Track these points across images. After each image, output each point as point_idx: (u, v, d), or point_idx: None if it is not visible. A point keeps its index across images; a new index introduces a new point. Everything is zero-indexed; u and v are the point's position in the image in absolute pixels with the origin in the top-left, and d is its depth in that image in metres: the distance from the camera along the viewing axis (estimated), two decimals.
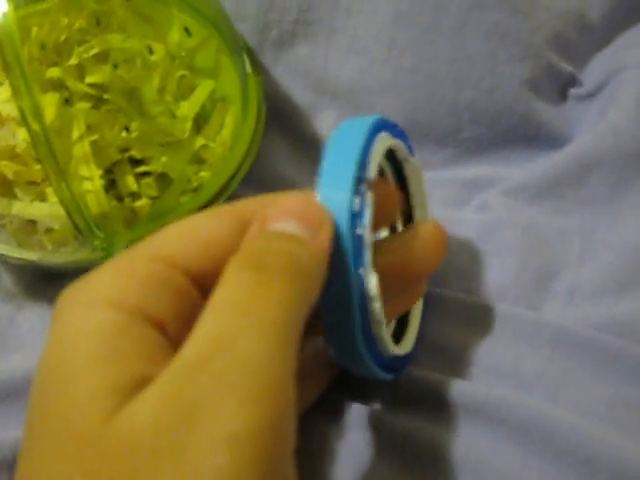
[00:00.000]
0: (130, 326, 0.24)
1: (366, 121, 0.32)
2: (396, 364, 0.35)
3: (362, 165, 0.30)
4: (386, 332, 0.32)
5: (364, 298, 0.29)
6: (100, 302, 0.24)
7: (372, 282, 0.29)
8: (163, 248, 0.26)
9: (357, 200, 0.29)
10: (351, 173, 0.29)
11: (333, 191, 0.29)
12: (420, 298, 0.39)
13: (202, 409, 0.21)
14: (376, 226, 0.32)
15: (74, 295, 0.25)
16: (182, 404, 0.21)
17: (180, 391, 0.22)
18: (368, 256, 0.29)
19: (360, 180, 0.29)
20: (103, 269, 0.26)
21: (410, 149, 0.37)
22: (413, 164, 0.38)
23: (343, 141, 0.31)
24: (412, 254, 0.36)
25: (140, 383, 0.22)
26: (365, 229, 0.29)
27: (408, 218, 0.39)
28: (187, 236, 0.27)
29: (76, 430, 0.22)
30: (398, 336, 0.37)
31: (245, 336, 0.22)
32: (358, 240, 0.29)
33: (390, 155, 0.36)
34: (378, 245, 0.32)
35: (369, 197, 0.29)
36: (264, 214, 0.27)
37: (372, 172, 0.30)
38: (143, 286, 0.25)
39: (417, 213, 0.39)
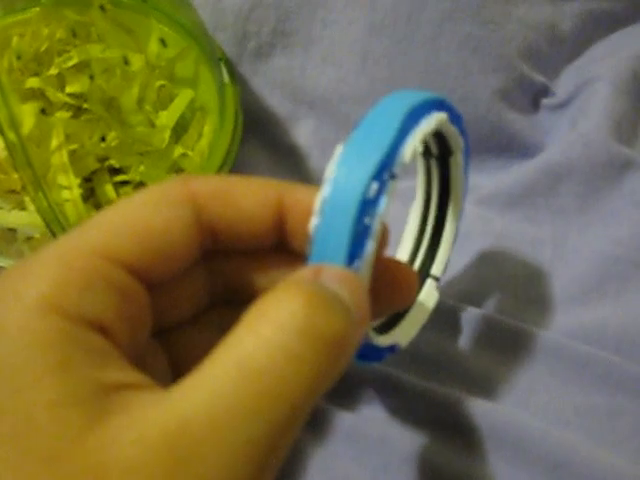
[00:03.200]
0: (75, 333, 0.22)
1: (416, 98, 0.28)
2: (375, 353, 0.32)
3: (393, 149, 0.26)
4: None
5: None
6: (42, 305, 0.22)
7: (366, 276, 0.26)
8: (103, 241, 0.24)
9: (375, 186, 0.25)
10: (377, 156, 0.26)
11: (350, 169, 0.26)
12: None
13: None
14: None
15: (13, 286, 0.22)
16: (168, 462, 0.20)
17: (170, 448, 0.20)
18: (370, 248, 0.26)
19: (385, 166, 0.26)
20: (41, 259, 0.23)
21: (465, 140, 0.34)
22: (457, 158, 0.35)
23: (383, 115, 0.27)
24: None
25: (96, 392, 0.21)
26: (374, 219, 0.25)
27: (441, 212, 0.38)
28: (128, 227, 0.24)
29: (41, 447, 0.20)
30: (388, 326, 0.35)
31: (255, 412, 0.20)
32: (363, 230, 0.25)
33: (440, 139, 0.34)
34: None
35: (391, 186, 0.26)
36: (319, 267, 0.25)
37: (407, 157, 0.26)
38: (85, 288, 0.23)
39: (451, 208, 0.37)
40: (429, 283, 0.37)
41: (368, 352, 0.31)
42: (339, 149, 0.26)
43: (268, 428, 0.20)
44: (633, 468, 0.34)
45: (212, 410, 0.20)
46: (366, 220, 0.25)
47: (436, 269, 0.38)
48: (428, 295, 0.37)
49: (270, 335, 0.21)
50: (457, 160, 0.35)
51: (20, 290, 0.22)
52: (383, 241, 0.31)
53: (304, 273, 0.24)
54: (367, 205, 0.25)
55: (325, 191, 0.26)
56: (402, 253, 0.38)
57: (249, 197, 0.26)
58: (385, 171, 0.26)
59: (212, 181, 0.26)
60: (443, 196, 0.37)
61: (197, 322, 0.29)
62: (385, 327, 0.34)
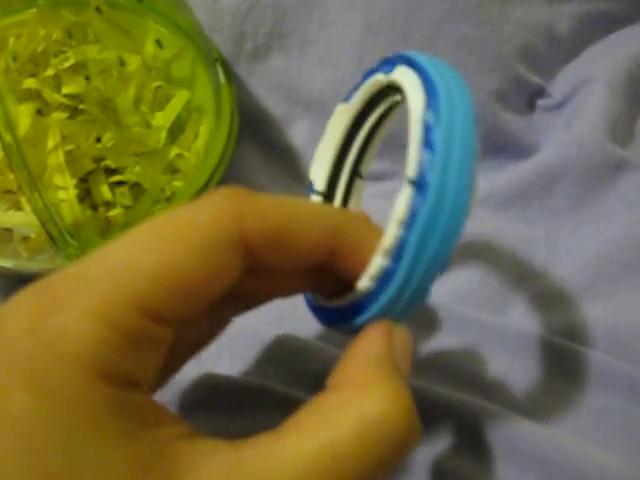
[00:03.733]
0: (121, 398, 0.21)
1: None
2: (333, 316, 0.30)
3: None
4: None
5: None
6: (85, 368, 0.20)
7: None
8: (142, 292, 0.21)
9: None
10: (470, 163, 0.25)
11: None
12: None
13: None
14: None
15: (49, 341, 0.20)
16: None
17: None
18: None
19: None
20: (75, 306, 0.21)
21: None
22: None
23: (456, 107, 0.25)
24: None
25: (159, 453, 0.21)
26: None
27: None
28: (171, 277, 0.22)
29: None
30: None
31: None
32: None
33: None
34: None
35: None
36: (389, 331, 0.25)
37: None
38: (129, 348, 0.21)
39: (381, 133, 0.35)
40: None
41: (330, 316, 0.30)
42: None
43: None
44: (622, 466, 0.34)
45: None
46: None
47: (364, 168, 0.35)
48: (358, 194, 0.35)
49: (366, 441, 0.21)
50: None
51: (58, 348, 0.20)
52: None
53: (378, 343, 0.25)
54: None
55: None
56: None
57: (307, 239, 0.25)
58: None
59: (270, 221, 0.24)
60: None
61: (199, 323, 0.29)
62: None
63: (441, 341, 0.40)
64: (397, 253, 0.24)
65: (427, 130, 0.24)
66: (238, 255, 0.23)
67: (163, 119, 0.49)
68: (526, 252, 0.44)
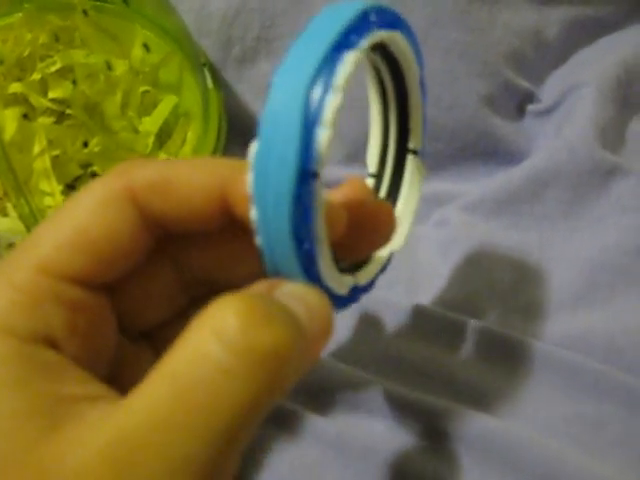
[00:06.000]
0: (28, 351, 0.22)
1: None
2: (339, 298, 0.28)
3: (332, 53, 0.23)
4: (326, 253, 0.26)
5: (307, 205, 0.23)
6: None
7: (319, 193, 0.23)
8: (45, 256, 0.24)
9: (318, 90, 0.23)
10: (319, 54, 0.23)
11: (290, 75, 0.23)
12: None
13: None
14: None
15: None
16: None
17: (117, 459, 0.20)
18: (318, 157, 0.23)
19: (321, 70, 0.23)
20: None
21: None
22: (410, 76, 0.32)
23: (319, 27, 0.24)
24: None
25: (52, 405, 0.21)
26: (324, 127, 0.22)
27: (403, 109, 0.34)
28: (70, 238, 0.24)
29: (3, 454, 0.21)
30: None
31: (186, 434, 0.20)
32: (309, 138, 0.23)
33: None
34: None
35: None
36: (276, 283, 0.24)
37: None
38: (31, 307, 0.23)
39: (412, 102, 0.34)
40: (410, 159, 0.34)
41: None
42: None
43: (203, 445, 0.20)
44: (620, 477, 0.34)
45: (149, 425, 0.20)
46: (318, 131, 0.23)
47: (414, 142, 0.34)
48: (413, 173, 0.34)
49: (204, 349, 0.21)
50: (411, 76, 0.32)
51: None
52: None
53: (259, 287, 0.24)
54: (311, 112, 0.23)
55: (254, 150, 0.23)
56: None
57: (189, 185, 0.25)
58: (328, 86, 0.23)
59: (150, 171, 0.25)
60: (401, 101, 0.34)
61: (181, 319, 0.28)
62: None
63: (437, 352, 0.40)
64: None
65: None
66: (129, 208, 0.25)
67: (150, 124, 0.49)
68: (518, 259, 0.44)
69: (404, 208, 0.34)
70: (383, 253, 0.33)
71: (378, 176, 0.34)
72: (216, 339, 0.20)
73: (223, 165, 0.26)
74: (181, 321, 0.27)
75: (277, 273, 0.25)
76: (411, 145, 0.34)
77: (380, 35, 0.26)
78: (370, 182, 0.34)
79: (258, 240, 0.24)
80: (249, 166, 0.23)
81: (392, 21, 0.28)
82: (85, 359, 0.24)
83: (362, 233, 0.29)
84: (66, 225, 0.24)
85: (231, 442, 0.21)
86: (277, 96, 0.23)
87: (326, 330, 0.24)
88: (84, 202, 0.25)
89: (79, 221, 0.24)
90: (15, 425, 0.21)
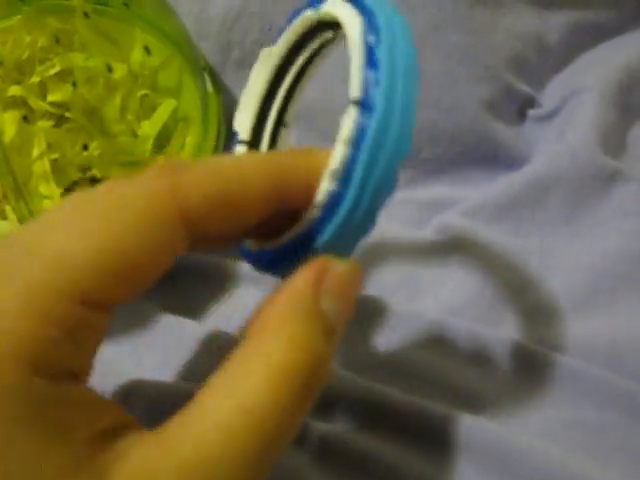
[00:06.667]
0: (60, 394, 0.20)
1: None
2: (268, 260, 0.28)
3: None
4: None
5: None
6: (19, 364, 0.20)
7: None
8: (77, 280, 0.21)
9: None
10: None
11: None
12: None
13: None
14: None
15: None
16: None
17: None
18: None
19: None
20: (7, 299, 0.20)
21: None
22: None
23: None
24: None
25: (94, 447, 0.20)
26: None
27: None
28: (108, 260, 0.21)
29: None
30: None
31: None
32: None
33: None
34: None
35: None
36: (322, 269, 0.24)
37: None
38: (66, 341, 0.21)
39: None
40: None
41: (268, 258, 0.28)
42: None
43: (253, 469, 0.21)
44: None
45: (219, 456, 0.20)
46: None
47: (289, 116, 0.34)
48: (284, 146, 0.34)
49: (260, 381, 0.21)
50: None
51: None
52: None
53: (304, 285, 0.23)
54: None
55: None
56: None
57: (250, 197, 0.24)
58: None
59: (207, 187, 0.23)
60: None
61: None
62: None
63: (436, 357, 0.40)
64: (345, 175, 0.23)
65: (369, 50, 0.24)
66: (179, 230, 0.22)
67: (149, 128, 0.48)
68: (519, 264, 0.44)
69: None
70: None
71: (251, 144, 0.33)
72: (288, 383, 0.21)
73: (272, 158, 0.25)
74: None
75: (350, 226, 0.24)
76: (287, 118, 0.34)
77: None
78: (241, 149, 0.33)
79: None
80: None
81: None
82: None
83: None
84: (104, 243, 0.21)
85: (275, 456, 0.22)
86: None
87: (351, 313, 0.24)
88: (126, 216, 0.21)
89: (119, 242, 0.21)
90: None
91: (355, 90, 0.23)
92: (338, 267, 0.24)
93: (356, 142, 0.23)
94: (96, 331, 0.22)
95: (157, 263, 0.22)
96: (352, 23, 0.25)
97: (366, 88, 0.23)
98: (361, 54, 0.24)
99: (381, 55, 0.23)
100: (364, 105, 0.23)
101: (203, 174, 0.23)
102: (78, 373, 0.22)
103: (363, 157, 0.23)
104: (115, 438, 0.21)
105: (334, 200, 0.23)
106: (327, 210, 0.24)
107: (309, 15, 0.28)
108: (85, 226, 0.21)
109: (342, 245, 0.24)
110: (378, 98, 0.23)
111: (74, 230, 0.21)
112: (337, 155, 0.23)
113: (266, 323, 0.23)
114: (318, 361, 0.22)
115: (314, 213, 0.24)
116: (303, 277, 0.23)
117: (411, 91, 0.23)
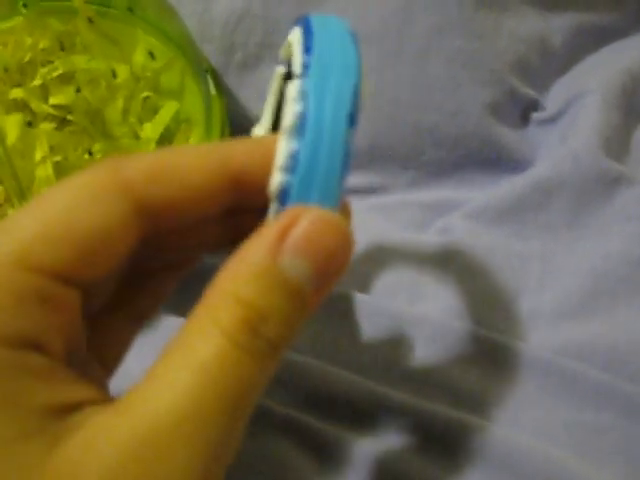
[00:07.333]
0: (14, 359, 0.21)
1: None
2: None
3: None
4: None
5: None
6: None
7: None
8: (27, 249, 0.21)
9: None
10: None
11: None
12: None
13: None
14: None
15: None
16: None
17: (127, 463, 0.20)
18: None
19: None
20: None
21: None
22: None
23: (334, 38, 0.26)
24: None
25: (48, 418, 0.20)
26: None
27: None
28: (56, 230, 0.22)
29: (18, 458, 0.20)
30: None
31: (207, 420, 0.20)
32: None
33: None
34: None
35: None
36: (283, 226, 0.22)
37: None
38: (17, 306, 0.21)
39: None
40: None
41: None
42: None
43: (221, 427, 0.20)
44: None
45: (176, 417, 0.20)
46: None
47: None
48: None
49: (216, 341, 0.21)
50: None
51: None
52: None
53: (257, 242, 0.22)
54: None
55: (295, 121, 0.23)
56: None
57: (190, 171, 0.24)
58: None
59: (145, 162, 0.24)
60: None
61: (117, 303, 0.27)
62: None
63: (439, 359, 0.40)
64: (292, 165, 0.23)
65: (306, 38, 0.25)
66: (122, 202, 0.23)
67: (152, 130, 0.48)
68: (521, 268, 0.44)
69: None
70: None
71: None
72: (222, 333, 0.21)
73: (222, 143, 0.25)
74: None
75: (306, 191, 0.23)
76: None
77: None
78: None
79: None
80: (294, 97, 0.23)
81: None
82: (66, 356, 0.23)
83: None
84: (50, 215, 0.22)
85: (241, 417, 0.21)
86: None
87: (344, 262, 0.23)
88: (70, 193, 0.23)
89: (65, 212, 0.22)
90: (12, 451, 0.20)
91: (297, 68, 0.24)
92: (307, 217, 0.22)
93: (298, 131, 0.23)
94: (65, 307, 0.22)
95: (110, 240, 0.23)
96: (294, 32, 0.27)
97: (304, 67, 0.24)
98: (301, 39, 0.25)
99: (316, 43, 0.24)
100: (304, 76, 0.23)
101: (143, 155, 0.24)
102: (43, 344, 0.21)
103: (305, 149, 0.23)
104: (78, 412, 0.21)
105: (285, 191, 0.23)
106: (281, 202, 0.23)
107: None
108: (35, 207, 0.22)
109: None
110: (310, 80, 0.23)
111: (27, 211, 0.22)
112: (281, 146, 0.23)
113: (215, 285, 0.22)
114: (275, 320, 0.21)
115: (273, 207, 0.24)
116: (260, 233, 0.22)
117: (346, 72, 0.24)
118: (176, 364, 0.21)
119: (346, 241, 0.23)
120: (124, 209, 0.23)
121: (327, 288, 0.23)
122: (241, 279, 0.22)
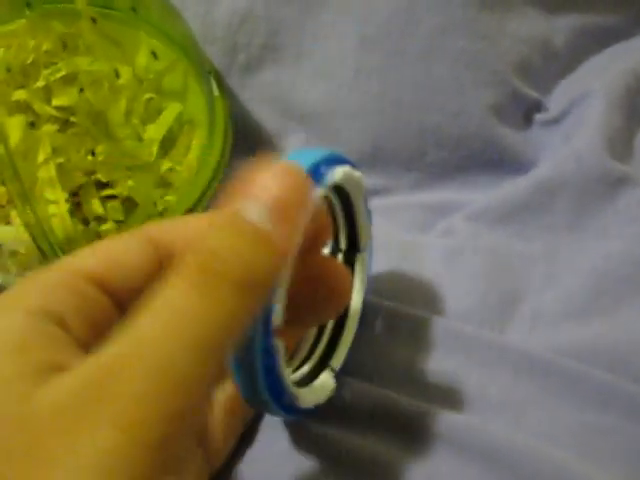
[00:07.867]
0: (34, 323, 0.24)
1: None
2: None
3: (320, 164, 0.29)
4: (289, 381, 0.30)
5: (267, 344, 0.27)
6: (7, 308, 0.25)
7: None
8: (77, 264, 0.26)
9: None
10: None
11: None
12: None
13: (99, 413, 0.21)
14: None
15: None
16: (87, 401, 0.21)
17: (89, 388, 0.21)
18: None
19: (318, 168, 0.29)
20: (21, 282, 0.26)
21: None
22: (364, 257, 0.38)
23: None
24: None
25: (50, 369, 0.22)
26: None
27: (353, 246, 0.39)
28: (100, 254, 0.27)
29: None
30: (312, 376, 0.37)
31: (170, 350, 0.22)
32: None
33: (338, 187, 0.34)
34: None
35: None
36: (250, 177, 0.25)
37: (337, 176, 0.31)
38: (47, 289, 0.25)
39: (362, 241, 0.38)
40: (327, 373, 0.37)
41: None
42: None
43: (185, 366, 0.22)
44: None
45: (138, 349, 0.22)
46: None
47: (336, 361, 0.38)
48: (324, 383, 0.37)
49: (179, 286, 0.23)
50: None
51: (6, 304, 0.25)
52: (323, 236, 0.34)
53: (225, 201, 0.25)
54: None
55: None
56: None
57: (126, 255, 0.27)
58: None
59: (91, 258, 0.27)
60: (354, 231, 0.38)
61: None
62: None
63: (439, 361, 0.40)
64: None
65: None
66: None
67: (154, 132, 0.48)
68: (524, 268, 0.44)
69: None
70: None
71: None
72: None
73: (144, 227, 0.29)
74: None
75: None
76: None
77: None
78: None
79: None
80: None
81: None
82: (85, 343, 0.25)
83: (318, 289, 0.32)
84: (96, 244, 0.28)
85: (210, 357, 0.22)
86: None
87: (298, 230, 0.25)
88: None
89: (106, 240, 0.28)
90: (10, 386, 0.22)
91: None
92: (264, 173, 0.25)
93: None
94: (90, 299, 0.26)
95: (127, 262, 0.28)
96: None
97: None
98: None
99: None
100: None
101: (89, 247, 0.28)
102: (65, 323, 0.25)
103: None
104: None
105: None
106: None
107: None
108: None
109: None
110: None
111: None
112: None
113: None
114: (233, 260, 0.23)
115: None
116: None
117: None
118: (142, 313, 0.22)
119: (292, 174, 0.25)
120: (143, 248, 0.28)
121: (288, 226, 0.25)
122: (200, 235, 0.24)
